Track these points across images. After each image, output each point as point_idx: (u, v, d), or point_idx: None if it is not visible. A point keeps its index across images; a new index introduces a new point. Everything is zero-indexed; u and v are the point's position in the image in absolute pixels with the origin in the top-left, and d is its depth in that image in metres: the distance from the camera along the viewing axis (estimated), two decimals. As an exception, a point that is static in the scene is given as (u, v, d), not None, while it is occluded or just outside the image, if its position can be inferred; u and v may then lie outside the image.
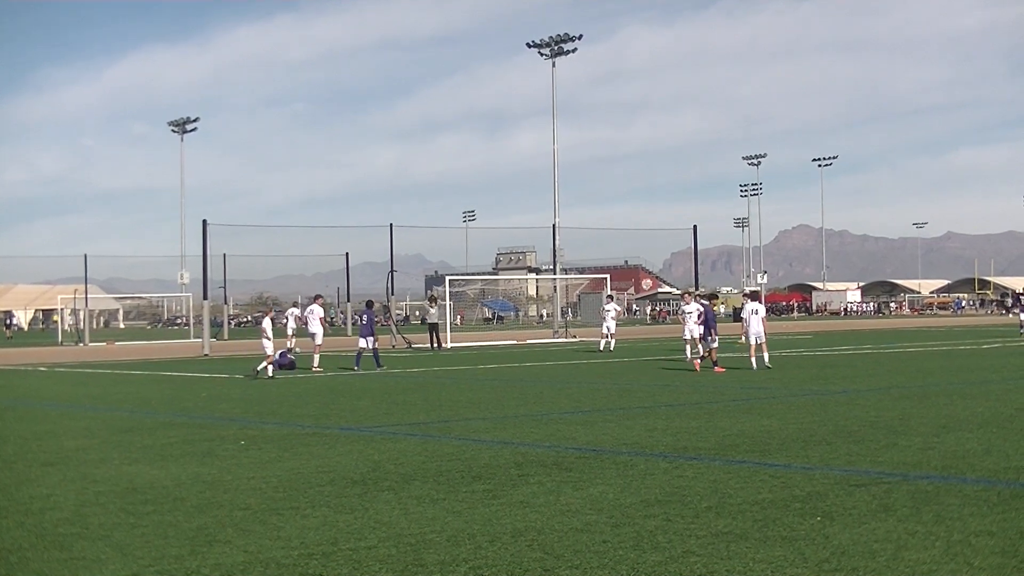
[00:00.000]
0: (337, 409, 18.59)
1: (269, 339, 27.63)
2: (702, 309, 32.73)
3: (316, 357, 30.50)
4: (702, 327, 31.08)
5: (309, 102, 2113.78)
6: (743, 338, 39.28)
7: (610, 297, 44.44)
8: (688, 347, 30.89)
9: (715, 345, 26.94)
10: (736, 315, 77.14)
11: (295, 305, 40.55)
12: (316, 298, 33.89)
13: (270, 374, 27.27)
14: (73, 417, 18.28)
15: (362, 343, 30.44)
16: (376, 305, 33.30)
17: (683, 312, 32.10)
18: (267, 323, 28.50)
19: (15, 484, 11.01)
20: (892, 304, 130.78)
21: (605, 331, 39.03)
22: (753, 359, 26.64)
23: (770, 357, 27.17)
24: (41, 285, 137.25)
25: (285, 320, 32.18)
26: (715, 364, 26.09)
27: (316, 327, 31.43)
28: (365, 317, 31.27)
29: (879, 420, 14.70)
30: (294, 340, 32.56)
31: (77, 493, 10.27)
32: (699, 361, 26.49)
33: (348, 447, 13.12)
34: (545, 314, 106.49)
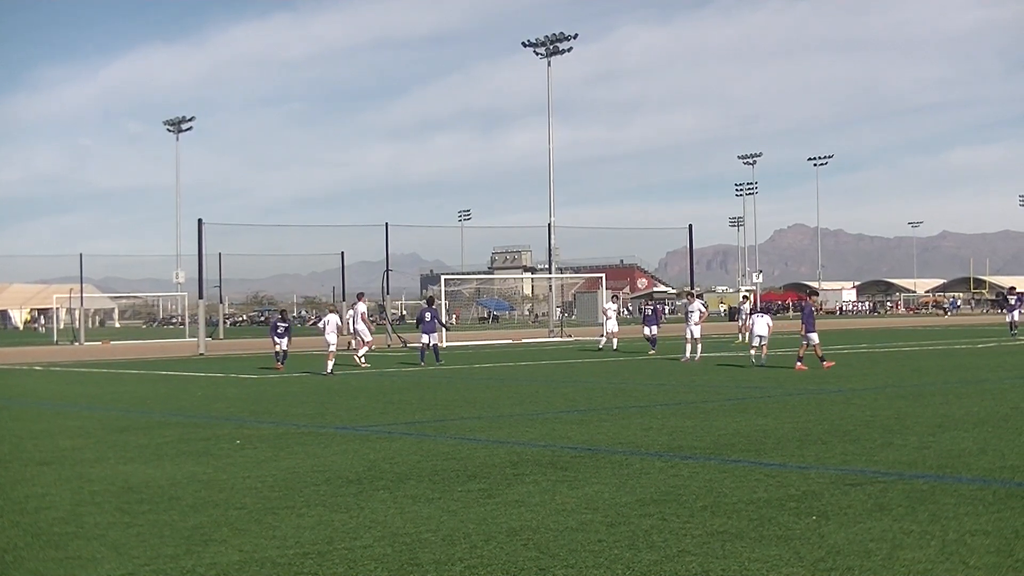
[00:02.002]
0: (333, 408, 18.58)
1: (334, 334, 28.34)
2: (704, 310, 32.82)
3: (361, 352, 31.72)
4: (699, 327, 31.15)
5: (305, 101, 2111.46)
6: (740, 337, 39.23)
7: (615, 297, 44.87)
8: (688, 347, 30.88)
9: (816, 341, 26.40)
10: (732, 315, 77.30)
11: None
12: (360, 296, 34.85)
13: (330, 369, 27.81)
14: (68, 416, 18.26)
15: (424, 339, 31.83)
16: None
17: (686, 311, 32.25)
18: (333, 319, 29.13)
19: (10, 483, 11.00)
20: (888, 303, 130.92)
21: (610, 329, 39.12)
22: (753, 356, 26.70)
23: (767, 357, 27.16)
24: (37, 284, 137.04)
25: (351, 318, 33.55)
26: (800, 360, 25.52)
27: (360, 324, 32.44)
28: (429, 314, 32.44)
29: (875, 419, 14.72)
30: (358, 339, 33.18)
31: (72, 492, 10.26)
32: (801, 363, 25.77)
33: (343, 446, 13.12)
34: (541, 313, 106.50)
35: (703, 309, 32.85)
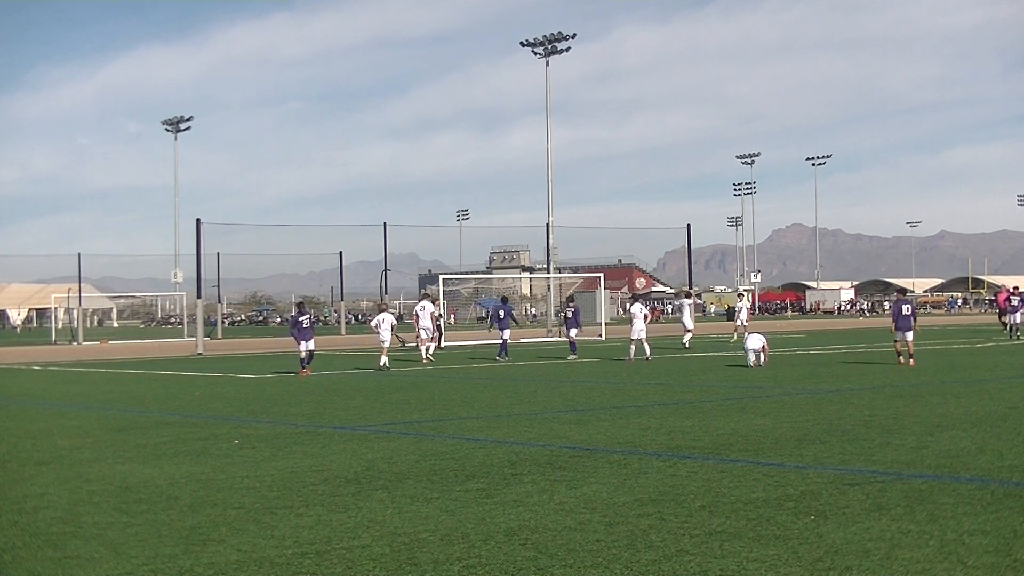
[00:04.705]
0: (331, 408, 18.57)
1: (388, 332, 29.44)
2: (646, 311, 33.26)
3: (431, 347, 33.21)
4: (644, 323, 31.42)
5: (303, 100, 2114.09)
6: (737, 336, 39.26)
7: (689, 294, 45.62)
8: (632, 347, 30.90)
9: (910, 339, 26.36)
10: (730, 314, 77.22)
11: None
12: (424, 295, 36.74)
13: (387, 364, 28.92)
14: (67, 416, 18.25)
15: (503, 335, 34.00)
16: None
17: (631, 313, 32.98)
18: (388, 318, 29.98)
19: (9, 483, 11.00)
20: (886, 303, 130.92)
21: (687, 328, 38.95)
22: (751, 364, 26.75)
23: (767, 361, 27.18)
24: (35, 284, 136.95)
25: (415, 317, 34.28)
26: (911, 356, 25.77)
27: (426, 322, 33.39)
28: (503, 311, 34.53)
29: (873, 419, 14.72)
30: (421, 336, 33.84)
31: (71, 492, 10.26)
32: (902, 358, 25.91)
33: (342, 446, 13.12)
34: (539, 313, 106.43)
35: (644, 310, 33.44)
